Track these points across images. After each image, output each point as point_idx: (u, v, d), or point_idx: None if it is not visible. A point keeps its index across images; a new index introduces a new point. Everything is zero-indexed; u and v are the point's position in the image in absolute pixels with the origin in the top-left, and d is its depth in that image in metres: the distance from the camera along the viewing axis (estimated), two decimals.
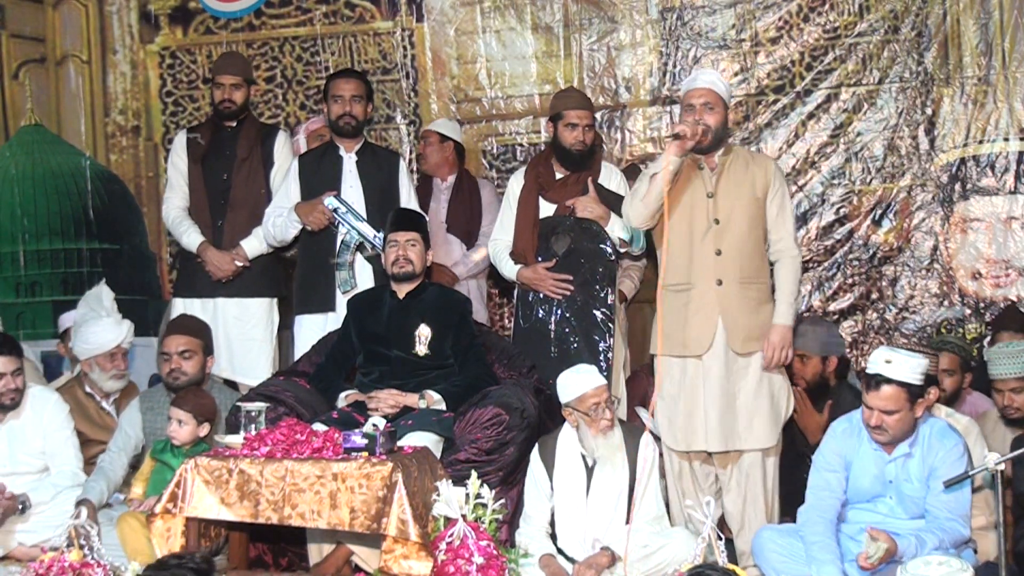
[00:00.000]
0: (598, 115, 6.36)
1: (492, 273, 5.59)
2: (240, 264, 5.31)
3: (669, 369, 4.31)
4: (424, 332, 4.59)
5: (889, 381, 3.75)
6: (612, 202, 4.96)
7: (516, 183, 5.12)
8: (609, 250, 4.91)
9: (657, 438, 4.38)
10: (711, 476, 4.39)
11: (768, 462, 4.32)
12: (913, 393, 3.76)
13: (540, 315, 4.93)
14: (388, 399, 4.42)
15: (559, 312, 4.90)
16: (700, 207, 4.28)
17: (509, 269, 5.04)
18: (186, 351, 4.74)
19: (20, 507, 4.53)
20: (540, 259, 4.95)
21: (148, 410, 4.74)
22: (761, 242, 4.31)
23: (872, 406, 3.80)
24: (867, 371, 3.84)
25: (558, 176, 5.04)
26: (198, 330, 4.90)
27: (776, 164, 4.51)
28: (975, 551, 3.94)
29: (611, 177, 5.07)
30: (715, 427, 4.24)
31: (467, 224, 5.65)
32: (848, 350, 5.85)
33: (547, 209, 5.02)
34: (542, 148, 6.09)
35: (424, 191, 5.69)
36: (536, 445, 4.26)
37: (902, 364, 3.75)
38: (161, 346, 4.85)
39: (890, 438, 3.83)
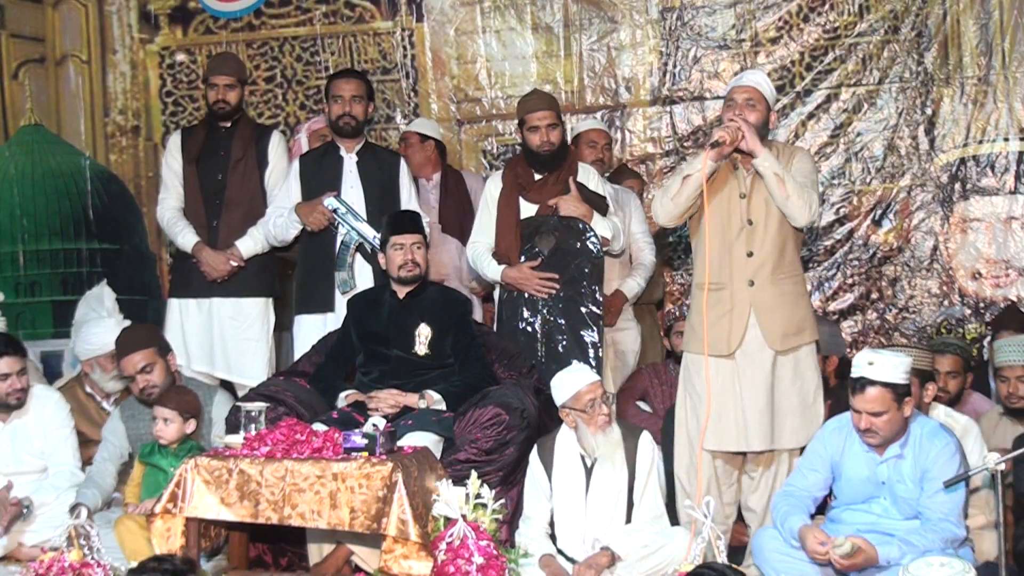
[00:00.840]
0: (598, 115, 6.38)
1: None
2: (235, 264, 5.30)
3: (699, 368, 4.28)
4: (424, 332, 4.59)
5: (873, 383, 3.76)
6: (593, 201, 4.97)
7: (494, 185, 5.11)
8: (595, 248, 4.91)
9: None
10: (734, 474, 4.37)
11: (794, 461, 4.30)
12: (899, 393, 3.76)
13: (525, 315, 4.92)
14: (388, 399, 4.42)
15: (544, 311, 4.90)
16: (734, 208, 4.27)
17: (492, 270, 5.02)
18: (146, 366, 4.64)
19: (24, 510, 4.53)
20: (523, 259, 4.95)
21: (130, 418, 4.70)
22: (793, 237, 4.28)
23: (859, 409, 3.80)
24: (851, 375, 3.85)
25: (537, 177, 5.04)
26: (146, 338, 4.76)
27: (805, 152, 4.44)
28: (972, 550, 3.94)
29: (589, 177, 5.07)
30: (755, 427, 4.21)
31: (460, 221, 5.64)
32: (848, 350, 5.85)
33: (527, 210, 5.02)
34: None
35: None
36: (535, 446, 4.26)
37: (884, 364, 3.76)
38: (120, 369, 4.74)
39: (881, 440, 3.83)
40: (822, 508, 4.19)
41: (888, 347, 4.38)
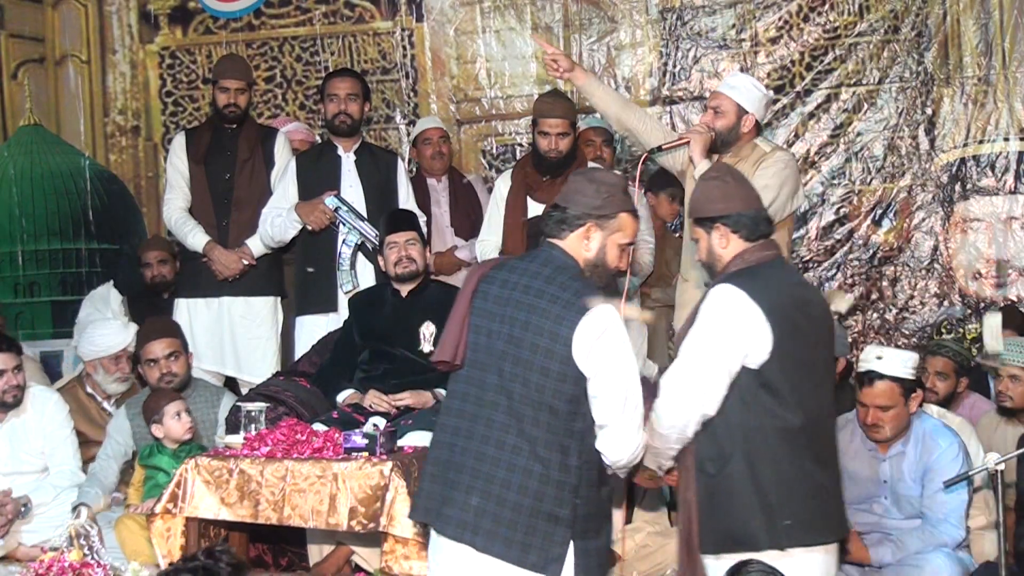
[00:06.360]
0: (598, 115, 6.36)
1: None
2: (247, 263, 5.30)
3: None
4: (428, 330, 4.57)
5: (882, 376, 3.79)
6: None
7: (503, 184, 5.12)
8: None
9: None
10: None
11: None
12: (907, 387, 3.80)
13: None
14: (378, 401, 4.35)
15: None
16: None
17: None
18: (172, 353, 4.70)
19: (23, 508, 4.53)
20: None
21: (136, 415, 4.68)
22: None
23: (867, 403, 3.83)
24: (859, 369, 3.89)
25: (545, 177, 5.04)
26: (174, 330, 4.87)
27: (781, 155, 4.37)
28: (970, 550, 3.95)
29: None
30: None
31: (471, 225, 5.63)
32: (848, 351, 5.84)
33: (535, 209, 5.00)
34: None
35: (422, 194, 5.66)
36: None
37: (893, 359, 3.80)
38: (142, 353, 4.75)
39: (887, 435, 3.85)
40: None
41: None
